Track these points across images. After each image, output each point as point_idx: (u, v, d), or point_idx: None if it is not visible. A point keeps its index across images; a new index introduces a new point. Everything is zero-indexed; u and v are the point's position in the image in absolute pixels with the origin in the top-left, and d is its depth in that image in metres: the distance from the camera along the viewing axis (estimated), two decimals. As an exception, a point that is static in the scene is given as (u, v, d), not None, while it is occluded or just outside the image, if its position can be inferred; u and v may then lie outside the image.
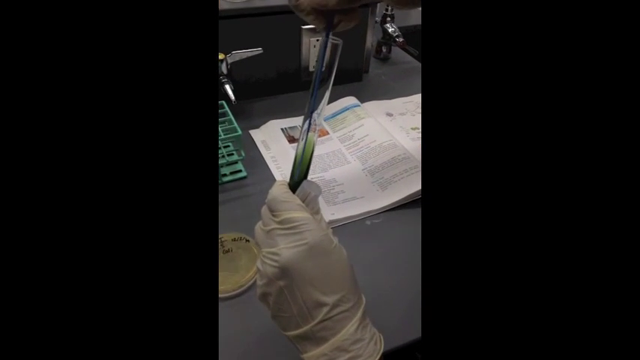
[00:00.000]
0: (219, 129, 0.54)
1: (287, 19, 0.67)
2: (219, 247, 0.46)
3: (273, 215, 0.29)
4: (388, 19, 0.84)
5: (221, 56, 0.61)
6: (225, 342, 0.38)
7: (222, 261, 0.45)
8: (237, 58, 0.63)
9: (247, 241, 0.47)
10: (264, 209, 0.30)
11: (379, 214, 0.53)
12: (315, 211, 0.30)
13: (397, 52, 0.91)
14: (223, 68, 0.62)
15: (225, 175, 0.57)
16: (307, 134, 0.31)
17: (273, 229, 0.28)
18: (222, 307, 0.42)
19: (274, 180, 0.57)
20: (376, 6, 0.75)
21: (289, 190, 0.30)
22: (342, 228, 0.51)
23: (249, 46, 0.64)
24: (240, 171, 0.58)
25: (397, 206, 0.54)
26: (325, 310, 0.27)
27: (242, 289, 0.43)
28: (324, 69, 0.32)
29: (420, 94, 0.77)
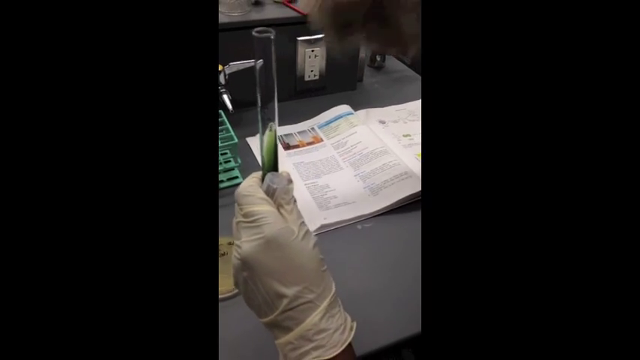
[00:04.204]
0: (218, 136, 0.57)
1: (283, 31, 0.69)
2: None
3: (240, 208, 0.30)
4: (382, 29, 0.86)
5: (220, 67, 0.64)
6: (222, 343, 0.40)
7: (218, 264, 0.47)
8: (235, 69, 0.66)
9: (242, 244, 0.49)
10: (236, 203, 0.31)
11: (370, 219, 0.55)
12: (286, 202, 0.30)
13: (391, 61, 0.93)
14: (221, 79, 0.65)
15: (222, 181, 0.59)
16: (262, 133, 0.32)
17: (238, 221, 0.30)
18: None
19: (270, 186, 0.59)
20: (369, 17, 0.78)
21: (255, 184, 0.31)
22: (334, 232, 0.53)
23: (246, 57, 0.66)
24: (236, 177, 0.60)
25: (387, 211, 0.56)
26: (286, 301, 0.28)
27: (237, 290, 0.45)
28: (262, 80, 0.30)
29: (412, 102, 0.79)
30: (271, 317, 0.29)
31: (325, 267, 0.31)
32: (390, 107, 0.78)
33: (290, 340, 0.28)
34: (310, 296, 0.28)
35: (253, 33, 0.28)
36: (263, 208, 0.29)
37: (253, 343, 0.41)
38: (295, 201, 0.32)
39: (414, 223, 0.54)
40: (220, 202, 0.57)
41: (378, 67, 0.92)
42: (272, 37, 0.28)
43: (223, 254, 0.48)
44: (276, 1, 0.72)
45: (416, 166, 0.61)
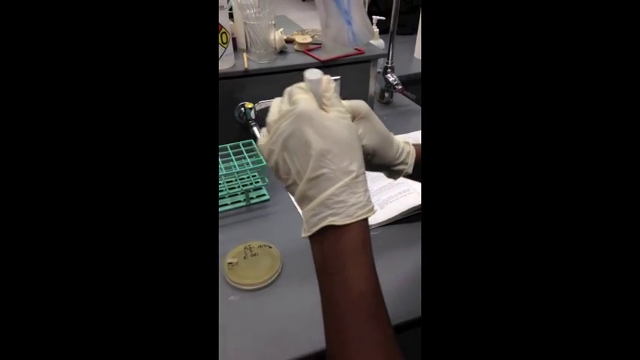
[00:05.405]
0: (249, 160, 0.69)
1: (302, 75, 0.82)
2: (249, 251, 0.59)
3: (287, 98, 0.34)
4: (389, 70, 0.99)
5: (250, 105, 0.77)
6: (250, 325, 0.50)
7: (250, 262, 0.57)
8: (264, 106, 0.79)
9: (270, 247, 0.59)
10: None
11: (377, 228, 0.65)
12: (325, 91, 0.34)
13: (398, 97, 1.05)
14: (252, 114, 0.78)
15: (252, 198, 0.70)
16: None
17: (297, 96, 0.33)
18: (248, 297, 0.53)
19: (292, 202, 0.70)
20: (376, 61, 0.90)
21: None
22: (347, 239, 0.63)
23: (273, 96, 0.79)
24: (264, 195, 0.71)
25: (392, 222, 0.65)
26: (311, 164, 0.31)
27: (264, 284, 0.55)
28: None
29: (416, 132, 0.90)
30: (300, 187, 0.32)
31: (358, 146, 0.34)
32: (396, 136, 0.88)
33: (312, 207, 0.32)
34: (333, 167, 0.31)
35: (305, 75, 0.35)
36: (301, 95, 0.33)
37: (276, 326, 0.50)
38: (337, 96, 0.35)
39: (414, 231, 0.64)
40: (251, 215, 0.68)
41: (387, 102, 1.04)
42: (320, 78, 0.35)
43: (254, 255, 0.58)
44: (297, 50, 0.86)
45: (417, 184, 0.71)
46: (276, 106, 0.35)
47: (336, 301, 0.31)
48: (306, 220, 0.33)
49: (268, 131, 0.34)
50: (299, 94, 0.33)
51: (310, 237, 0.33)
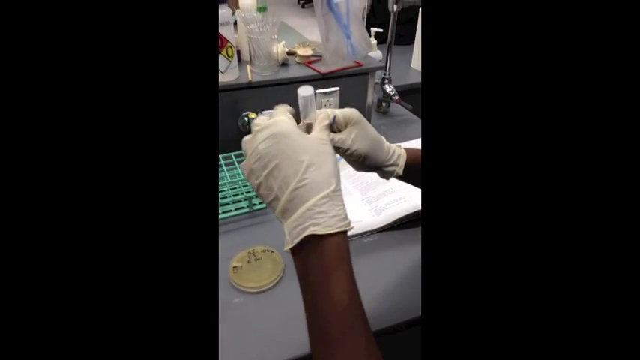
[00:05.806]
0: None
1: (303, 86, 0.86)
2: (252, 256, 0.62)
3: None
4: (386, 81, 1.02)
5: (254, 115, 0.80)
6: (253, 326, 0.53)
7: (253, 266, 0.60)
8: (265, 116, 0.82)
9: (272, 252, 0.62)
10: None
11: (374, 234, 0.68)
12: (321, 120, 0.38)
13: (395, 107, 1.09)
14: (255, 124, 0.81)
15: (255, 204, 0.73)
16: None
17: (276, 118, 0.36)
18: (251, 299, 0.56)
19: (293, 208, 0.73)
20: (374, 72, 0.94)
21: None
22: (345, 244, 0.66)
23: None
24: (266, 201, 0.74)
25: (388, 228, 0.69)
26: (295, 176, 0.32)
27: (267, 286, 0.58)
28: None
29: (412, 141, 0.93)
30: (283, 199, 0.33)
31: (337, 167, 0.35)
32: (393, 145, 0.92)
33: (295, 219, 0.33)
34: (314, 179, 0.33)
35: (298, 91, 0.38)
36: (280, 117, 0.36)
37: (277, 325, 0.53)
38: (327, 129, 0.38)
39: (409, 236, 0.67)
40: (255, 220, 0.71)
41: (384, 112, 1.07)
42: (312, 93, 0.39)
43: (258, 259, 0.61)
44: (298, 62, 0.89)
45: (412, 191, 0.74)
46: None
47: (319, 315, 0.33)
48: (289, 232, 0.33)
49: (246, 153, 0.36)
50: (278, 116, 0.36)
51: (293, 251, 0.34)
